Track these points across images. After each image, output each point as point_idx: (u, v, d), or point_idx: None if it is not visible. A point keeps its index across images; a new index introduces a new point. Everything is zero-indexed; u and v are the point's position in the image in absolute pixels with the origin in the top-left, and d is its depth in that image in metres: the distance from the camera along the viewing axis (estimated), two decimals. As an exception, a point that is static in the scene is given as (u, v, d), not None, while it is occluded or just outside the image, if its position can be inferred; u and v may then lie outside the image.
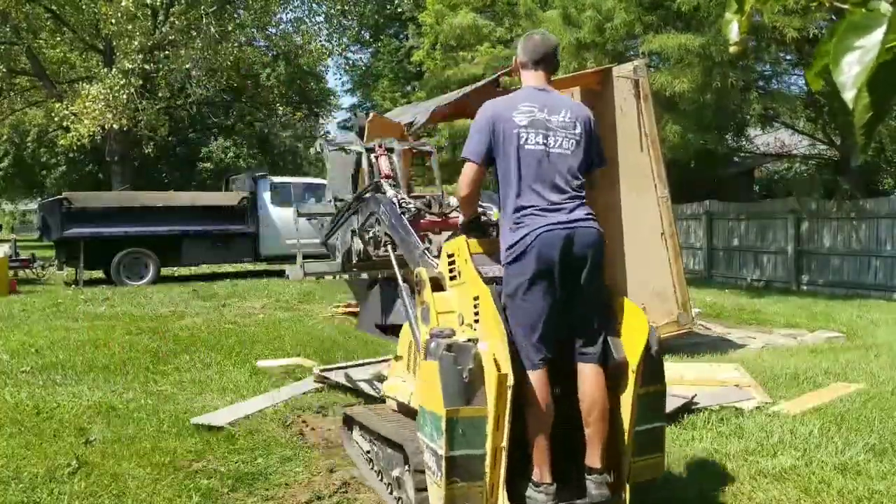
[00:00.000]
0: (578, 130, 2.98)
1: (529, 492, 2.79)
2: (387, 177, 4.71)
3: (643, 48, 12.23)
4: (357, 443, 4.02)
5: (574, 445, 2.93)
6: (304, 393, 5.28)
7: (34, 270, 14.63)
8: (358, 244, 4.80)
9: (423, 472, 2.87)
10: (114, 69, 19.34)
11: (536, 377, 2.79)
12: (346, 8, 26.07)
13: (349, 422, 4.18)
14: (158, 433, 4.30)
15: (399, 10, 30.08)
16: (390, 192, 4.16)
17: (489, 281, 2.93)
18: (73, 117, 18.91)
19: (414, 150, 5.94)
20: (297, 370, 6.04)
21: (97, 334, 7.77)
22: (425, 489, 2.85)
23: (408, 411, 3.50)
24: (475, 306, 2.87)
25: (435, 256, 3.39)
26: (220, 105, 26.01)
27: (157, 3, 19.89)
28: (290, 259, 8.04)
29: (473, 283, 2.92)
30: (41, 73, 22.10)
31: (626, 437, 2.86)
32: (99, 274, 14.36)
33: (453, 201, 3.94)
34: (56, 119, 20.12)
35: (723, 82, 11.32)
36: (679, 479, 3.43)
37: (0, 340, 7.45)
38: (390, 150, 5.15)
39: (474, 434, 2.66)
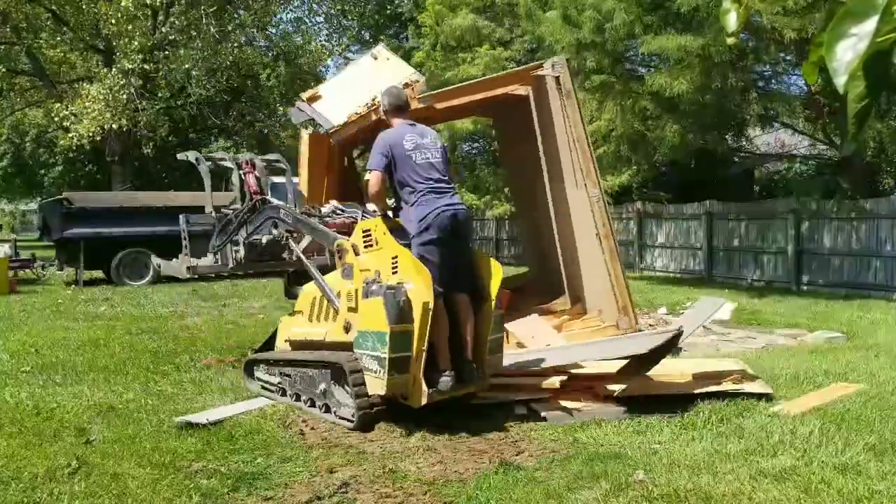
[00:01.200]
0: (439, 145, 4.72)
1: (439, 377, 4.26)
2: (255, 192, 5.81)
3: (643, 49, 12.24)
4: (262, 379, 5.21)
5: (454, 348, 4.43)
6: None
7: (34, 270, 14.62)
8: (241, 252, 5.70)
9: (360, 376, 4.18)
10: (114, 69, 19.31)
11: (438, 304, 4.26)
12: (346, 8, 26.07)
13: (252, 365, 5.35)
14: (158, 433, 4.30)
15: (399, 10, 30.05)
16: (276, 202, 5.46)
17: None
18: (72, 117, 18.89)
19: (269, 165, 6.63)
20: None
21: (97, 334, 7.77)
22: (363, 385, 4.19)
23: (308, 347, 4.83)
24: (394, 263, 4.24)
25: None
26: (220, 105, 25.94)
27: (157, 3, 19.84)
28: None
29: (392, 247, 4.31)
30: (41, 73, 22.10)
31: (486, 342, 4.46)
32: (99, 274, 14.36)
33: (324, 209, 5.27)
34: (56, 119, 20.10)
35: (722, 83, 11.32)
36: (679, 479, 3.43)
37: (0, 340, 7.45)
38: (254, 167, 6.17)
39: (406, 342, 4.09)
